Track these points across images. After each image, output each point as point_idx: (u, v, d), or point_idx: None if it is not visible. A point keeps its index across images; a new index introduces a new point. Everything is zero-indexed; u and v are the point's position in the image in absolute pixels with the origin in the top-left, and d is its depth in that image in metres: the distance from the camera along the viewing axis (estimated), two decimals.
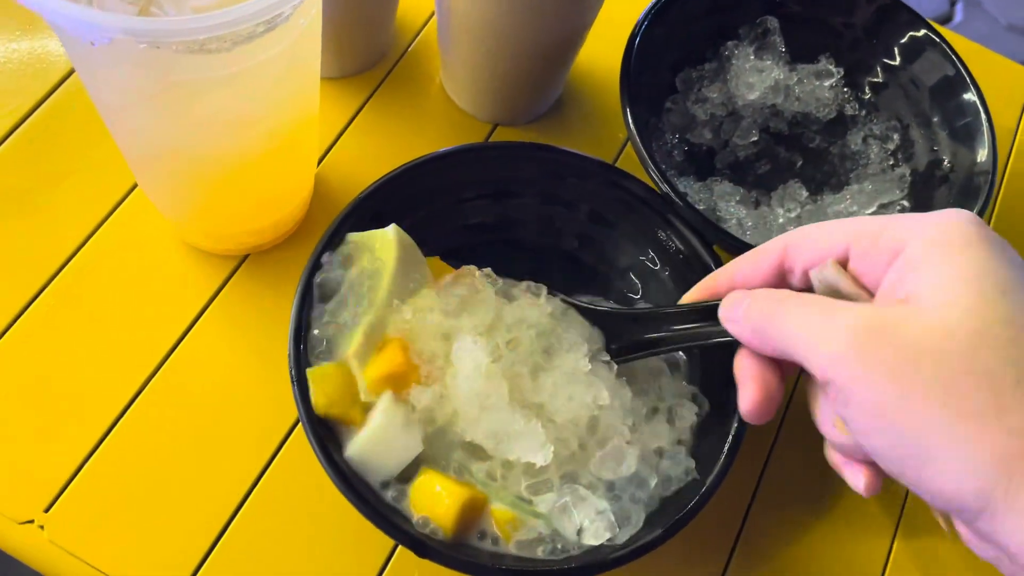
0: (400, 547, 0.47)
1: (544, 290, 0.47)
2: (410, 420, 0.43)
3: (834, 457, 0.37)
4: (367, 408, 0.43)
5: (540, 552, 0.43)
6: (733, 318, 0.37)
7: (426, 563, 0.40)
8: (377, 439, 0.43)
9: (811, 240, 0.36)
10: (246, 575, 0.45)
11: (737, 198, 0.54)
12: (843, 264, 0.35)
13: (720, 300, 0.39)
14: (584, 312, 0.47)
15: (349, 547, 0.46)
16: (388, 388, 0.43)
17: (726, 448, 0.43)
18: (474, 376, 0.42)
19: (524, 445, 0.43)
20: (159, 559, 0.45)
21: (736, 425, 0.44)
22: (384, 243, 0.46)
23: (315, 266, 0.44)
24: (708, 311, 0.41)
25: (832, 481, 0.52)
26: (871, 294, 0.34)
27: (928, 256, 0.31)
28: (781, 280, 0.38)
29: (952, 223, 0.32)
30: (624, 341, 0.46)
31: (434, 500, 0.42)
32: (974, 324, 0.29)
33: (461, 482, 0.43)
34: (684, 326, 0.43)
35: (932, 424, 0.28)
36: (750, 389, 0.36)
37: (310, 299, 0.44)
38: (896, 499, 0.52)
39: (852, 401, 0.30)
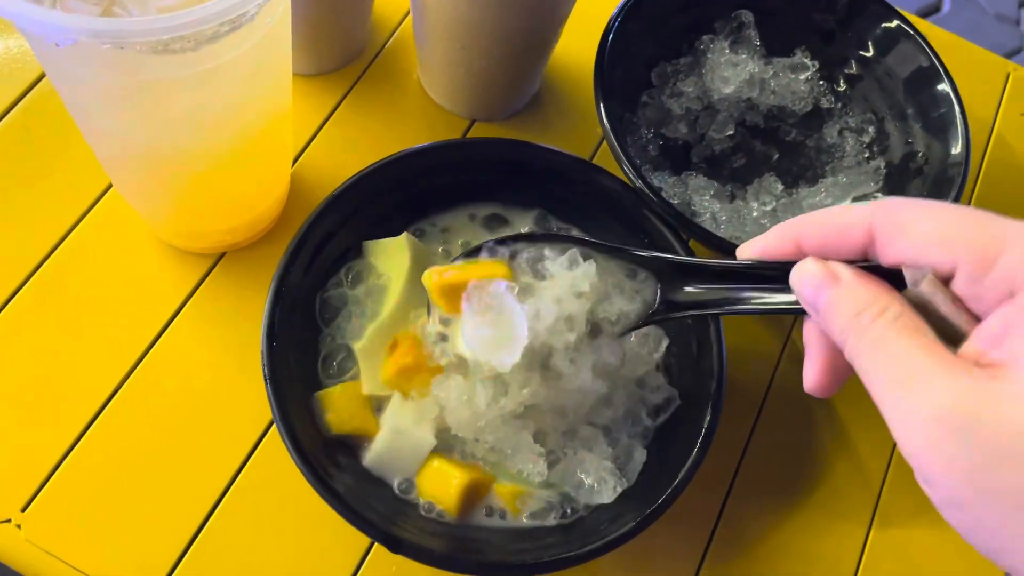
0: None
1: (579, 259, 0.43)
2: (421, 418, 0.44)
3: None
4: (378, 409, 0.45)
5: (552, 519, 0.45)
6: (813, 305, 0.32)
7: (404, 558, 0.40)
8: (390, 445, 0.44)
9: (909, 236, 0.30)
10: (224, 572, 0.45)
11: (712, 192, 0.54)
12: (944, 280, 0.30)
13: (792, 263, 0.33)
14: (636, 259, 0.42)
15: (327, 543, 0.47)
16: (403, 381, 0.45)
17: (699, 440, 0.44)
18: (459, 410, 0.43)
19: (521, 460, 0.44)
20: (137, 557, 0.45)
21: (709, 417, 0.44)
22: (395, 254, 0.47)
23: (284, 272, 0.45)
24: (776, 274, 0.35)
25: (810, 471, 0.52)
26: (974, 318, 0.29)
27: None
28: (864, 257, 0.32)
29: None
30: (676, 295, 0.41)
31: (439, 484, 0.44)
32: None
33: (465, 464, 0.45)
34: (749, 288, 0.37)
35: (1018, 533, 0.26)
36: (816, 364, 0.33)
37: (280, 312, 0.45)
38: (872, 489, 0.52)
39: (932, 486, 0.28)
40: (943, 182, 0.52)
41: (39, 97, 0.56)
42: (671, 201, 0.51)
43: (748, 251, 0.36)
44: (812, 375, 0.33)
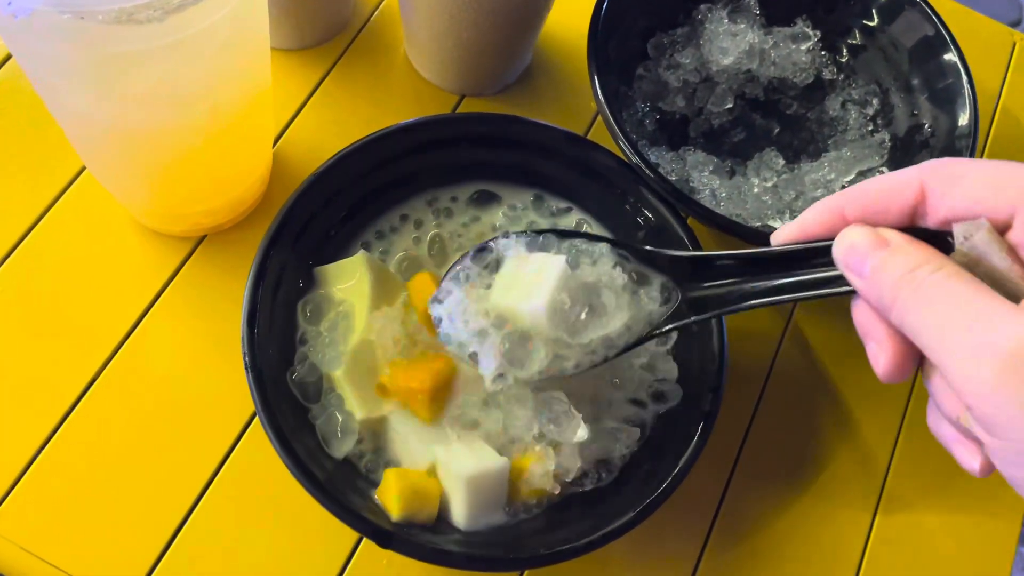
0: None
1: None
2: (474, 448, 0.42)
3: (944, 431, 0.31)
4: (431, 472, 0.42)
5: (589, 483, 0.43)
6: (860, 272, 0.29)
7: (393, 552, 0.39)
8: (475, 496, 0.41)
9: (964, 186, 0.29)
10: (207, 568, 0.44)
11: (711, 168, 0.52)
12: (1001, 231, 0.28)
13: (828, 241, 0.31)
14: (648, 259, 0.39)
15: (315, 536, 0.45)
16: (428, 405, 0.42)
17: (700, 426, 0.42)
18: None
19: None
20: (117, 553, 0.43)
21: (710, 402, 0.43)
22: (352, 277, 0.45)
23: (265, 255, 0.43)
24: (813, 255, 0.33)
25: (813, 455, 0.51)
26: None
27: None
28: (911, 221, 0.30)
29: None
30: (700, 293, 0.37)
31: (538, 483, 0.42)
32: None
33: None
34: (780, 275, 0.34)
35: None
36: (886, 348, 0.30)
37: (262, 290, 0.43)
38: (878, 473, 0.51)
39: (997, 434, 0.26)
40: (950, 155, 0.50)
41: (8, 75, 0.54)
42: (669, 178, 0.49)
43: (784, 235, 0.33)
44: (883, 362, 0.30)
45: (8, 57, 0.54)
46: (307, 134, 0.55)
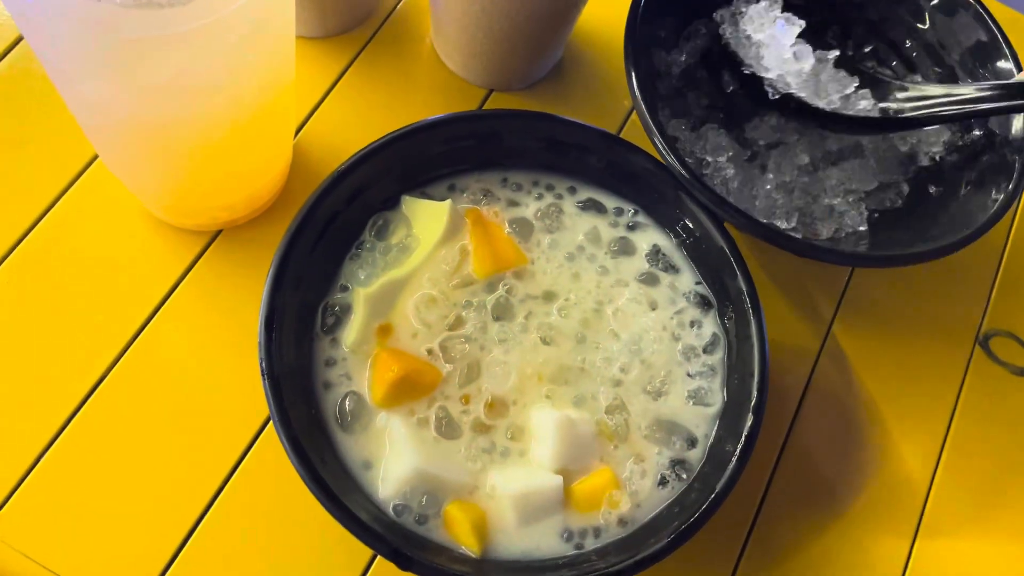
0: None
1: None
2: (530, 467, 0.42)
3: None
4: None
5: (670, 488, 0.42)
6: None
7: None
8: (524, 511, 0.41)
9: None
10: None
11: (730, 153, 0.50)
12: None
13: None
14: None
15: (329, 550, 0.43)
16: (400, 399, 0.41)
17: (738, 450, 0.40)
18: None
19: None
20: (121, 562, 0.42)
21: (750, 425, 0.40)
22: (431, 219, 0.45)
23: (287, 250, 0.41)
24: None
25: (849, 478, 0.49)
26: None
27: None
28: None
29: None
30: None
31: (598, 494, 0.42)
32: None
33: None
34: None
35: None
36: None
37: (280, 294, 0.40)
38: (917, 498, 0.49)
39: None
40: (1002, 168, 0.48)
41: (18, 59, 0.52)
42: (687, 160, 0.46)
43: None
44: None
45: (18, 40, 0.52)
46: (328, 127, 0.53)
